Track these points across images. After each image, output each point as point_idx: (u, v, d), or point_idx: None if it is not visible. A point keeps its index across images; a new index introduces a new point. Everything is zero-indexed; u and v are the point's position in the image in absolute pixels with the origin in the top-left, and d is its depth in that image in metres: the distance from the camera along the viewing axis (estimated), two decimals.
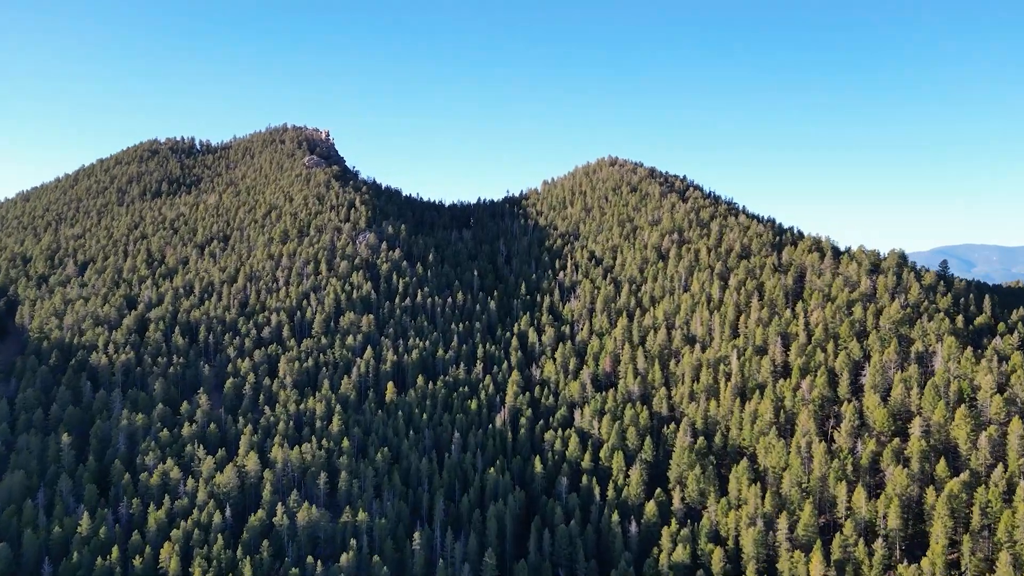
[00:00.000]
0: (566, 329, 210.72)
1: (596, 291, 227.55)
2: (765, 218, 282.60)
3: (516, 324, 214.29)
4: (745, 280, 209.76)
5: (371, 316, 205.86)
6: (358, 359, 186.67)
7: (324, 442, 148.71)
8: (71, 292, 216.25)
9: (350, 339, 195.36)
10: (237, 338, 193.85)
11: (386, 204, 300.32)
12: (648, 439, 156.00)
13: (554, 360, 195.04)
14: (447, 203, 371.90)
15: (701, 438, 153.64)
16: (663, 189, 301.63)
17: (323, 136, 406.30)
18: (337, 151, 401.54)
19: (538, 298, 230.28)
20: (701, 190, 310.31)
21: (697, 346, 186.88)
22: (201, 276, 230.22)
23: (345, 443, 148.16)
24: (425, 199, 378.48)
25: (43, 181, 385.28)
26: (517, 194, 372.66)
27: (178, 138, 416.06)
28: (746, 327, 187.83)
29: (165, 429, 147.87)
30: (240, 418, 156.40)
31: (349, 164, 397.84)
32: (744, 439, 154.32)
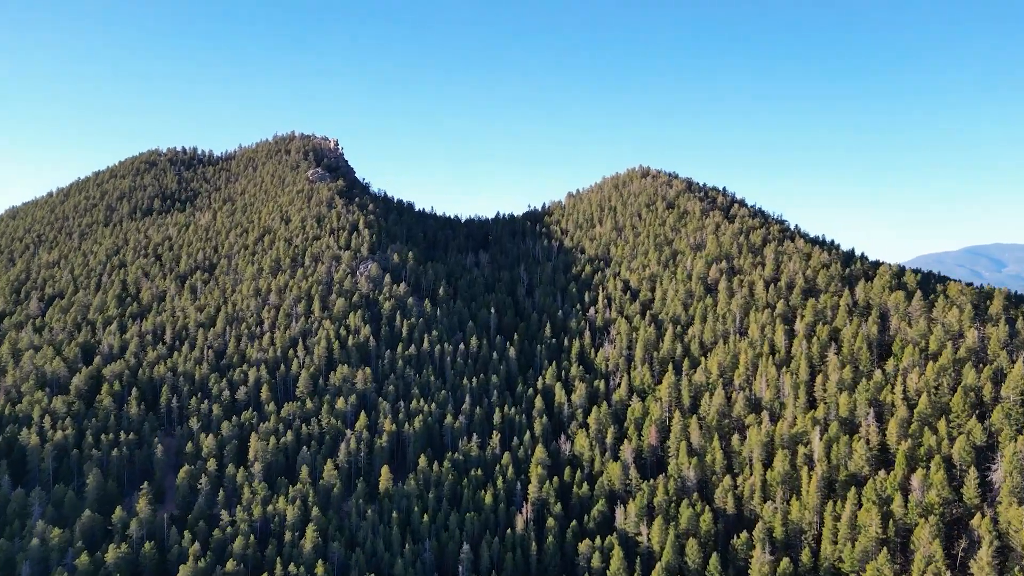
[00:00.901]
0: (600, 384, 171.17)
1: (634, 333, 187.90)
2: (824, 240, 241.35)
3: (540, 377, 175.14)
4: (815, 325, 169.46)
5: (368, 370, 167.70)
6: (348, 432, 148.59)
7: (292, 567, 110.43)
8: (23, 339, 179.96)
9: (340, 402, 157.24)
10: (206, 402, 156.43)
11: (394, 224, 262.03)
12: (715, 556, 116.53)
13: (587, 429, 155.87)
14: (464, 217, 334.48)
15: (785, 559, 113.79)
16: (704, 206, 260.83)
17: (331, 145, 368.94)
18: (346, 161, 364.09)
19: (565, 341, 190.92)
20: (746, 206, 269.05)
21: (765, 415, 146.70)
22: (176, 316, 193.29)
23: (319, 569, 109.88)
24: (440, 214, 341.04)
25: (35, 195, 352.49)
26: (540, 207, 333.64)
27: (180, 148, 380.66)
28: (824, 391, 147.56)
29: (86, 552, 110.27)
30: (186, 531, 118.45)
31: (360, 175, 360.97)
32: (842, 559, 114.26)
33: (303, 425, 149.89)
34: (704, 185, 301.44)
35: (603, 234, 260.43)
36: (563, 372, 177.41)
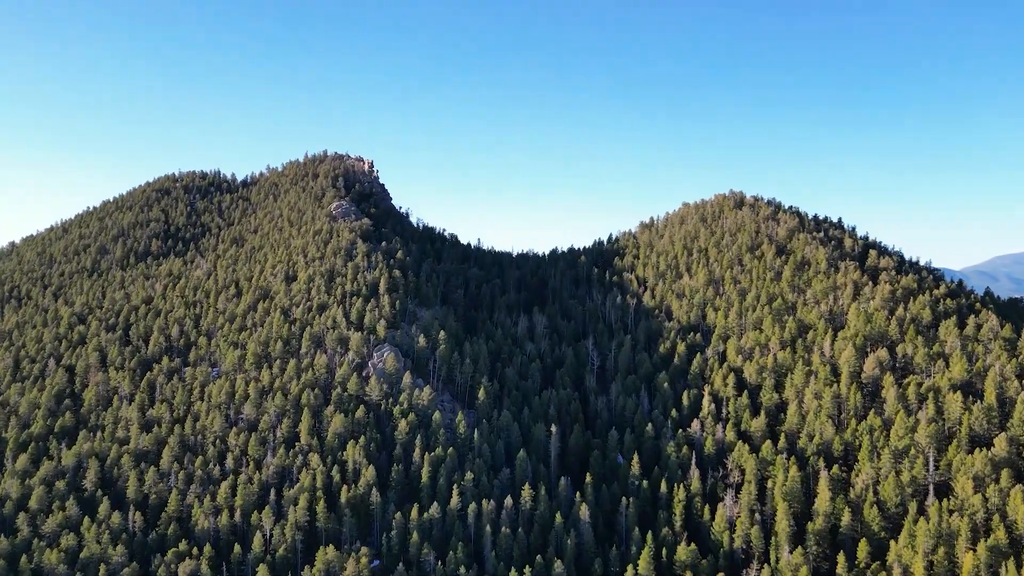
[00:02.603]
0: None
1: (763, 475, 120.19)
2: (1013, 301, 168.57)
3: (630, 565, 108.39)
4: None
5: (364, 553, 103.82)
6: None
7: None
8: None
9: None
10: None
11: (427, 280, 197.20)
12: None
13: None
14: (516, 250, 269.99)
15: None
16: (829, 252, 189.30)
17: (366, 167, 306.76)
18: (382, 185, 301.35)
19: (661, 487, 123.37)
20: (888, 253, 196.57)
21: None
22: (115, 438, 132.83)
23: None
24: (487, 247, 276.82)
25: (38, 229, 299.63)
26: (606, 239, 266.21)
27: (201, 171, 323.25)
28: None
29: None
30: None
31: (399, 200, 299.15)
32: None
33: None
34: (817, 218, 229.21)
35: (695, 289, 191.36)
36: (664, 550, 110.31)
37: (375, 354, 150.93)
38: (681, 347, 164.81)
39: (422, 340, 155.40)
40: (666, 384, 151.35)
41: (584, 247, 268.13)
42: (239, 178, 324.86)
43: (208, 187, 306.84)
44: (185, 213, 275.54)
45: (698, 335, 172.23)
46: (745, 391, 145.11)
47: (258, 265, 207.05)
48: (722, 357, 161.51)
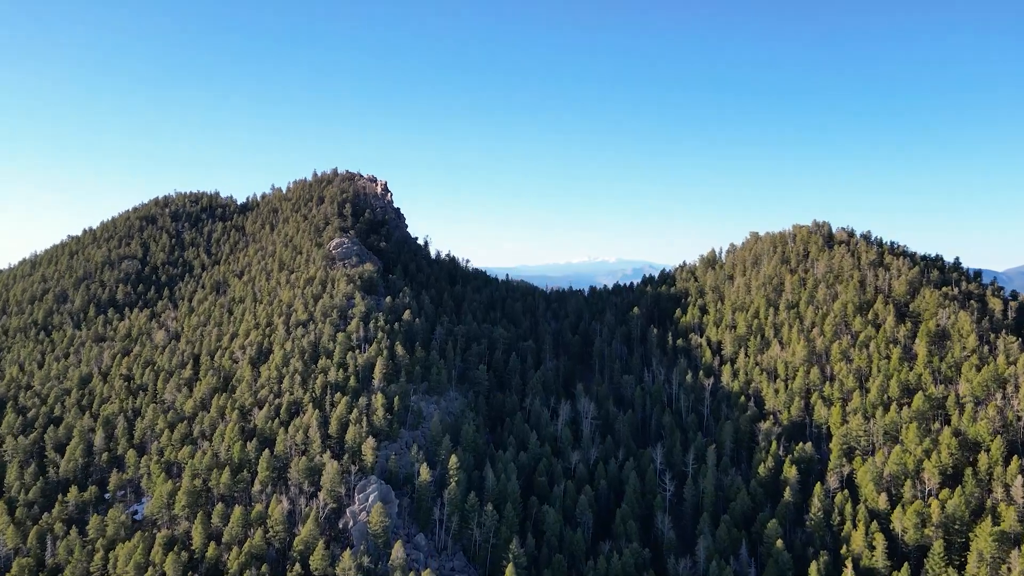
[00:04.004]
0: None
1: None
2: None
3: None
4: None
5: None
6: None
7: None
8: None
9: None
10: None
11: (441, 351, 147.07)
12: None
13: None
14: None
15: None
16: (974, 320, 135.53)
17: (378, 189, 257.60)
18: (396, 209, 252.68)
19: None
20: None
21: None
22: None
23: None
24: (517, 279, 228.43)
25: (11, 262, 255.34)
26: (658, 274, 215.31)
27: (195, 193, 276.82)
28: None
29: None
30: None
31: (414, 229, 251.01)
32: None
33: None
34: (930, 260, 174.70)
35: (791, 365, 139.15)
36: None
37: (357, 496, 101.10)
38: (790, 470, 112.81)
39: (424, 471, 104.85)
40: (779, 540, 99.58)
41: (633, 283, 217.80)
42: (239, 200, 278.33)
43: (200, 213, 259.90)
44: (168, 247, 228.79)
45: (808, 444, 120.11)
46: (906, 563, 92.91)
47: (231, 327, 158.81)
48: (852, 487, 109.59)
